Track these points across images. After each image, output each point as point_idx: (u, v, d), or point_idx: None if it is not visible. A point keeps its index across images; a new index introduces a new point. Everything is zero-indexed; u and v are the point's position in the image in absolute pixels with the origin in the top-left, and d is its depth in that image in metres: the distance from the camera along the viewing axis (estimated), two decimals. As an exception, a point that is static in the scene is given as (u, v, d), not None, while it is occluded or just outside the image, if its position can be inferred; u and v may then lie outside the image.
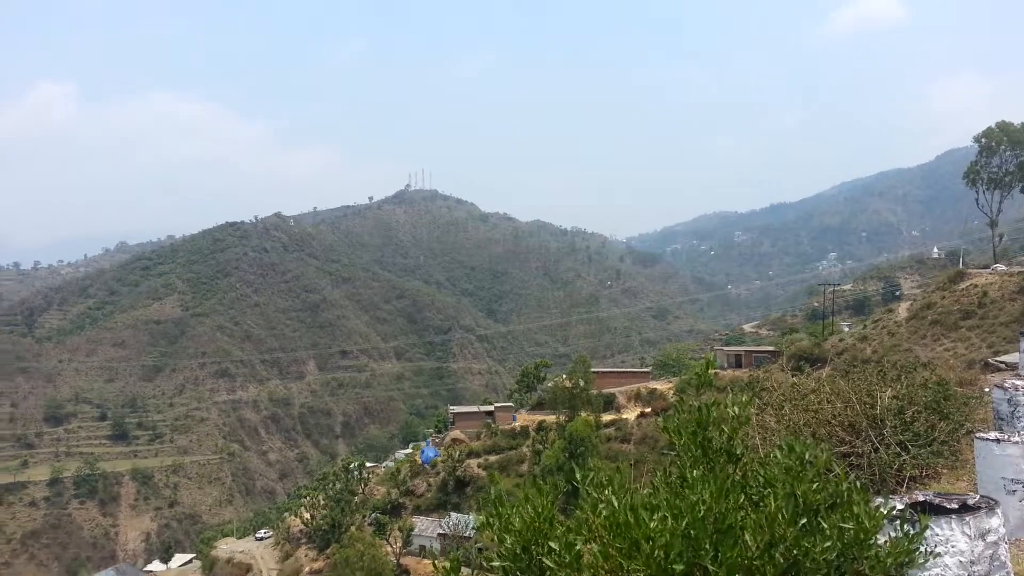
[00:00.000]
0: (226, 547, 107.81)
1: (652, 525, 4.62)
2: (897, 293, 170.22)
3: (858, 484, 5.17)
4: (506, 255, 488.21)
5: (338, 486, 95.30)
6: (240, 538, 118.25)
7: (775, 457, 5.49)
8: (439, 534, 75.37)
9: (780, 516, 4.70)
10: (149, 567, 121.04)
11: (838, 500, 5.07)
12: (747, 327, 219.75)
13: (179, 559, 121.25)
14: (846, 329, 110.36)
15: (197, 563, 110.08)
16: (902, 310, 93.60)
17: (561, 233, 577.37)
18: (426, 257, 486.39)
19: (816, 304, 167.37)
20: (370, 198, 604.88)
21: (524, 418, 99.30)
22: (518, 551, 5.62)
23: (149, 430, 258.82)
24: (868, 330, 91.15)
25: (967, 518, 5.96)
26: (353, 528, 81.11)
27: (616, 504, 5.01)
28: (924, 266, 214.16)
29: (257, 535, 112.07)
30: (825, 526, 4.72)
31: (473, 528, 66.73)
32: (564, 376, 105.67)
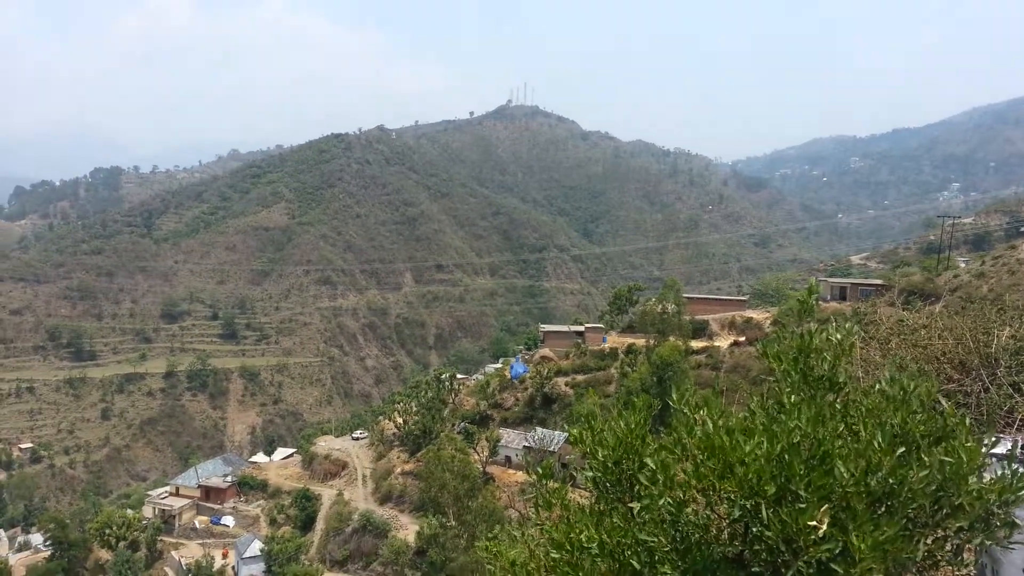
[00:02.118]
0: (324, 444, 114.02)
1: (747, 449, 4.63)
2: (1022, 229, 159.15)
3: (965, 420, 5.02)
4: (605, 175, 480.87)
5: (430, 394, 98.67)
6: (338, 437, 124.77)
7: (877, 387, 5.37)
8: (525, 447, 77.57)
9: (876, 445, 4.62)
10: (254, 458, 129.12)
11: (942, 434, 4.94)
12: (855, 258, 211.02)
13: (281, 453, 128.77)
14: (963, 265, 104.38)
15: (298, 457, 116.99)
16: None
17: (663, 154, 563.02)
18: (524, 175, 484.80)
19: (933, 237, 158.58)
20: (471, 113, 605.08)
21: (614, 340, 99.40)
22: (610, 465, 5.76)
23: (256, 331, 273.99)
24: (987, 267, 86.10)
25: (1082, 464, 5.69)
26: (443, 435, 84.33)
27: (711, 426, 5.04)
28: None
29: (353, 435, 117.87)
30: (925, 458, 4.63)
31: (561, 443, 68.34)
32: (654, 300, 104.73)
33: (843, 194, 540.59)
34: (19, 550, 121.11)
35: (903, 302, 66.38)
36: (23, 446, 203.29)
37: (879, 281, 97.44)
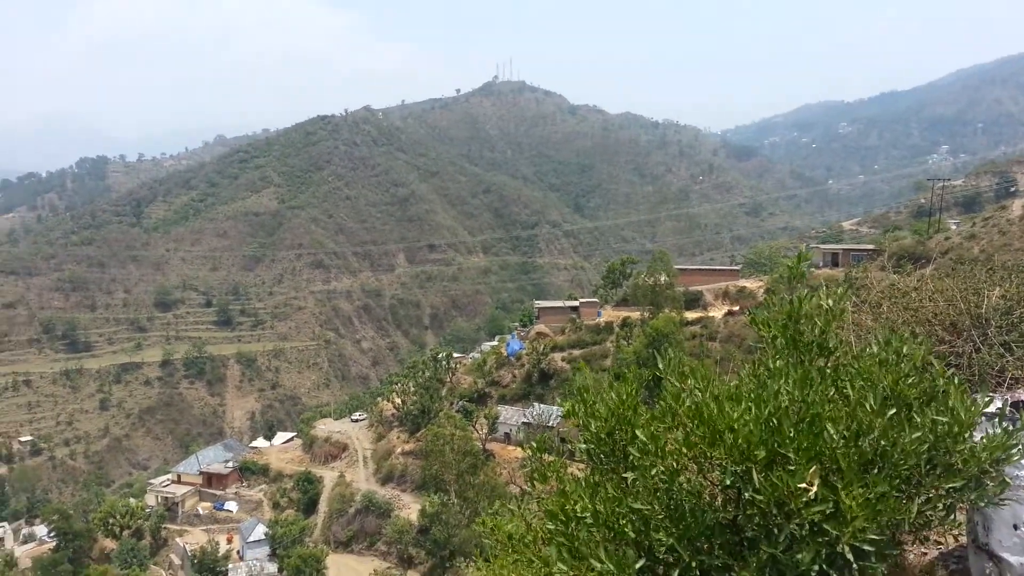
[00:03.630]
0: (324, 427, 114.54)
1: (735, 415, 4.63)
2: (1012, 189, 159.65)
3: (956, 380, 5.03)
4: (594, 149, 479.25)
5: (427, 374, 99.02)
6: (337, 419, 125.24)
7: (869, 350, 5.37)
8: (523, 423, 77.94)
9: (867, 406, 4.63)
10: (254, 444, 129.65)
11: (934, 394, 4.96)
12: (847, 224, 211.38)
13: (281, 437, 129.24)
14: (953, 227, 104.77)
15: (298, 441, 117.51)
16: (1016, 207, 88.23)
17: (652, 126, 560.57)
18: (513, 151, 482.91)
19: (923, 200, 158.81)
20: (457, 90, 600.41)
21: (609, 314, 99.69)
22: (603, 436, 5.77)
23: (251, 317, 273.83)
24: (977, 228, 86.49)
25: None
26: (442, 413, 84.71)
27: (699, 394, 5.04)
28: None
29: (352, 417, 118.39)
30: (917, 419, 4.64)
31: (559, 418, 68.62)
32: (644, 272, 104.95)
33: (833, 160, 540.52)
34: (24, 542, 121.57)
35: (894, 266, 66.62)
36: (23, 439, 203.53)
37: (871, 246, 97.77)
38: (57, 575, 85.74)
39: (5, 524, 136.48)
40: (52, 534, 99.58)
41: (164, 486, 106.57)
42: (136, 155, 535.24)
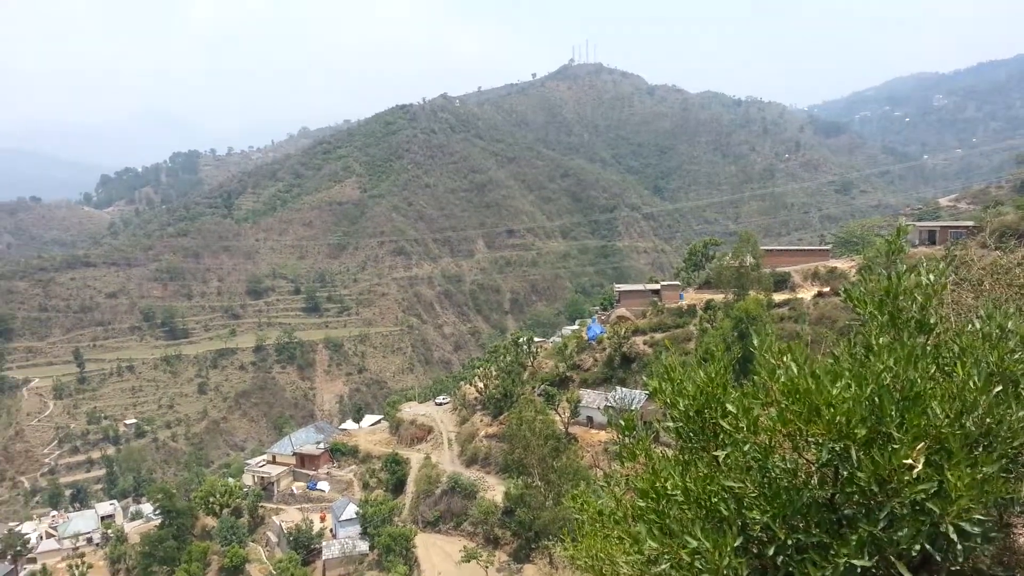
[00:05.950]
0: (409, 410, 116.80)
1: (834, 392, 4.55)
2: None
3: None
4: (674, 129, 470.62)
5: (508, 359, 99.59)
6: (421, 403, 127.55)
7: (972, 326, 5.19)
8: (605, 406, 77.58)
9: (972, 384, 4.48)
10: (343, 426, 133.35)
11: (1043, 371, 4.76)
12: (943, 201, 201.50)
13: (369, 419, 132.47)
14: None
15: (385, 423, 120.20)
16: None
17: (734, 104, 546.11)
18: (590, 134, 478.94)
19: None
20: (533, 74, 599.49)
21: (691, 297, 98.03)
22: (691, 414, 5.75)
23: (337, 303, 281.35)
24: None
25: None
26: (523, 397, 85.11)
27: (796, 370, 4.97)
28: None
29: (436, 400, 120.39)
30: (1026, 396, 4.47)
31: (642, 401, 68.12)
32: (729, 254, 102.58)
33: (928, 134, 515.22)
34: (132, 519, 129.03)
35: (996, 243, 63.14)
36: (128, 422, 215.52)
37: (970, 223, 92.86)
38: (163, 551, 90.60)
39: (115, 502, 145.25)
40: (157, 512, 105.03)
41: (260, 466, 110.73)
42: (225, 149, 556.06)
